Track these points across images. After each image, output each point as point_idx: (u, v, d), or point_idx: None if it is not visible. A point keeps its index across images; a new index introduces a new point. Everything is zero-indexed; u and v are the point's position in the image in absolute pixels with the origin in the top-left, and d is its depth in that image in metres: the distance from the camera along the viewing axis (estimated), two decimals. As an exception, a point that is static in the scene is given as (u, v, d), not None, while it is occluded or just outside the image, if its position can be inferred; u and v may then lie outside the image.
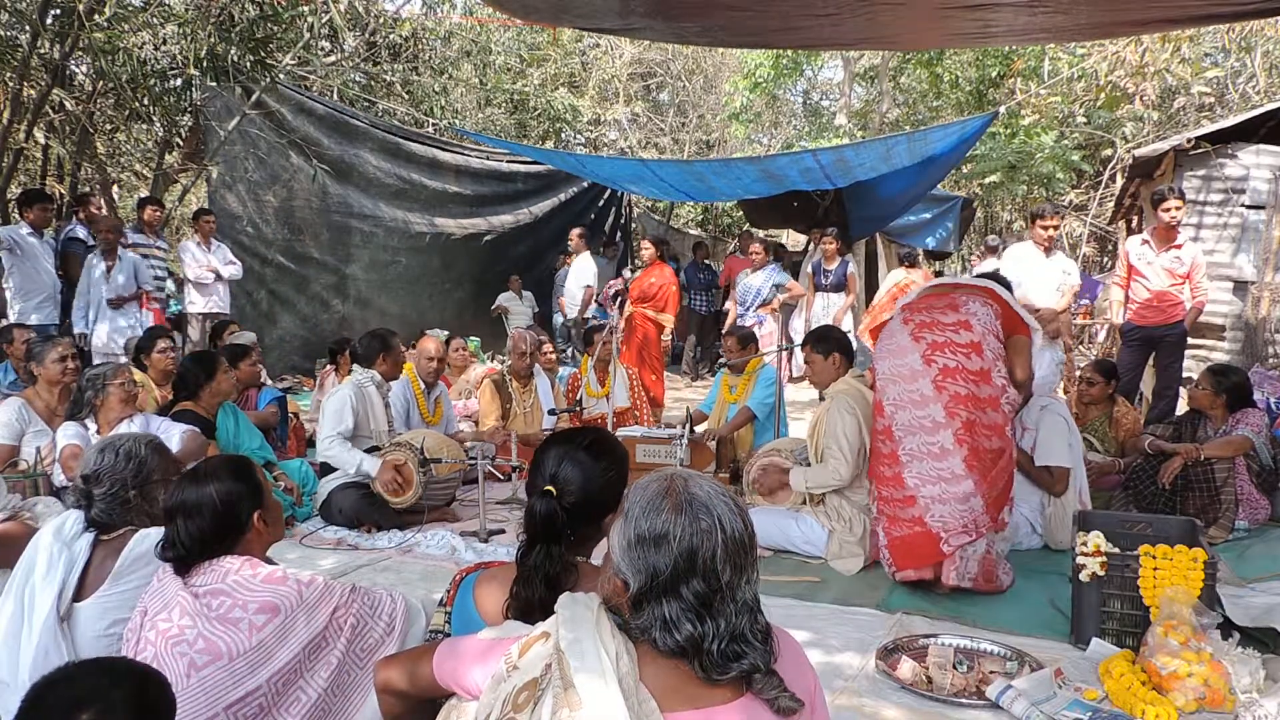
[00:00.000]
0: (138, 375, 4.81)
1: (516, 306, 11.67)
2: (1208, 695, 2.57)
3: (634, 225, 15.35)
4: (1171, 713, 2.52)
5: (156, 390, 5.13)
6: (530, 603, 1.70)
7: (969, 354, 3.61)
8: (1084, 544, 3.04)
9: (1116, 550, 3.01)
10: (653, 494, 1.32)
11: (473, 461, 4.62)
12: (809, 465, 4.21)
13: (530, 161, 12.69)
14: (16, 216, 7.31)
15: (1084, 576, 3.03)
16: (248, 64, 8.69)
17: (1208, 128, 8.86)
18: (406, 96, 13.61)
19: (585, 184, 13.40)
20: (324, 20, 10.41)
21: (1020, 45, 13.41)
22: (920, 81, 18.29)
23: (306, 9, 10.15)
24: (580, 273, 10.13)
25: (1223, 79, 13.50)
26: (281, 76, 9.56)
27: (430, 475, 4.53)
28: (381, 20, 12.75)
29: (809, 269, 9.46)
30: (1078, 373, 6.15)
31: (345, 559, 4.14)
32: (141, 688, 1.45)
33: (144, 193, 10.81)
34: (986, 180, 15.69)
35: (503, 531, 4.49)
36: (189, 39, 8.39)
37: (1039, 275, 6.17)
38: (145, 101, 9.22)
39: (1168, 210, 6.03)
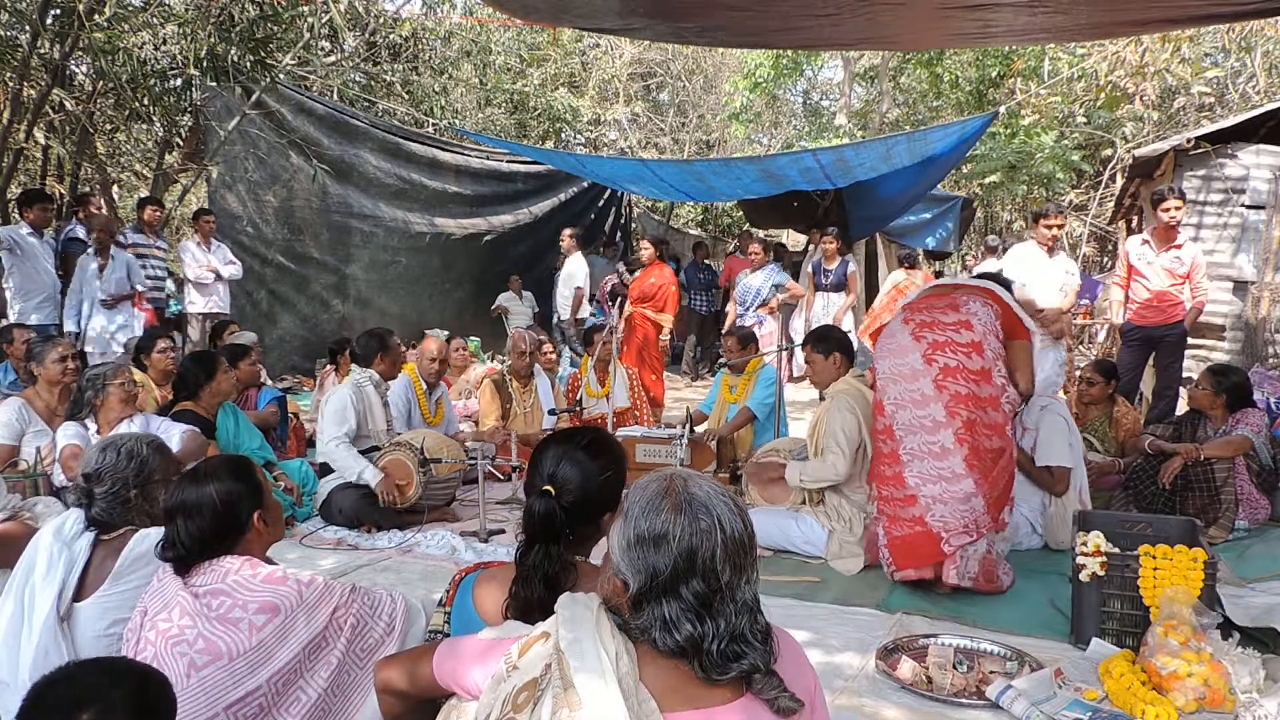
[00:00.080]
0: (138, 375, 4.81)
1: (516, 306, 11.66)
2: (1208, 695, 2.57)
3: (634, 225, 15.34)
4: (1171, 713, 2.52)
5: (156, 390, 5.13)
6: (529, 603, 1.70)
7: (969, 353, 3.62)
8: (1084, 544, 3.04)
9: (1116, 550, 3.01)
10: (652, 494, 1.32)
11: (473, 461, 4.63)
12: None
13: (530, 161, 12.68)
14: (16, 216, 7.32)
15: (1084, 576, 3.03)
16: (248, 64, 8.69)
17: (1208, 128, 8.86)
18: (406, 96, 13.61)
19: (585, 184, 13.39)
20: (324, 20, 10.41)
21: (1020, 45, 13.41)
22: (920, 81, 18.29)
23: (306, 9, 10.16)
24: (570, 275, 10.14)
25: (1223, 79, 13.50)
26: (281, 76, 9.57)
27: (430, 475, 4.53)
28: (381, 20, 12.75)
29: (809, 269, 9.44)
30: (1077, 373, 6.15)
31: (345, 559, 4.14)
32: (141, 688, 1.45)
33: (144, 193, 10.81)
34: (986, 180, 15.69)
35: (502, 531, 4.49)
36: (189, 39, 8.39)
37: (1043, 275, 6.16)
38: (145, 101, 9.22)
39: (1168, 210, 6.02)
